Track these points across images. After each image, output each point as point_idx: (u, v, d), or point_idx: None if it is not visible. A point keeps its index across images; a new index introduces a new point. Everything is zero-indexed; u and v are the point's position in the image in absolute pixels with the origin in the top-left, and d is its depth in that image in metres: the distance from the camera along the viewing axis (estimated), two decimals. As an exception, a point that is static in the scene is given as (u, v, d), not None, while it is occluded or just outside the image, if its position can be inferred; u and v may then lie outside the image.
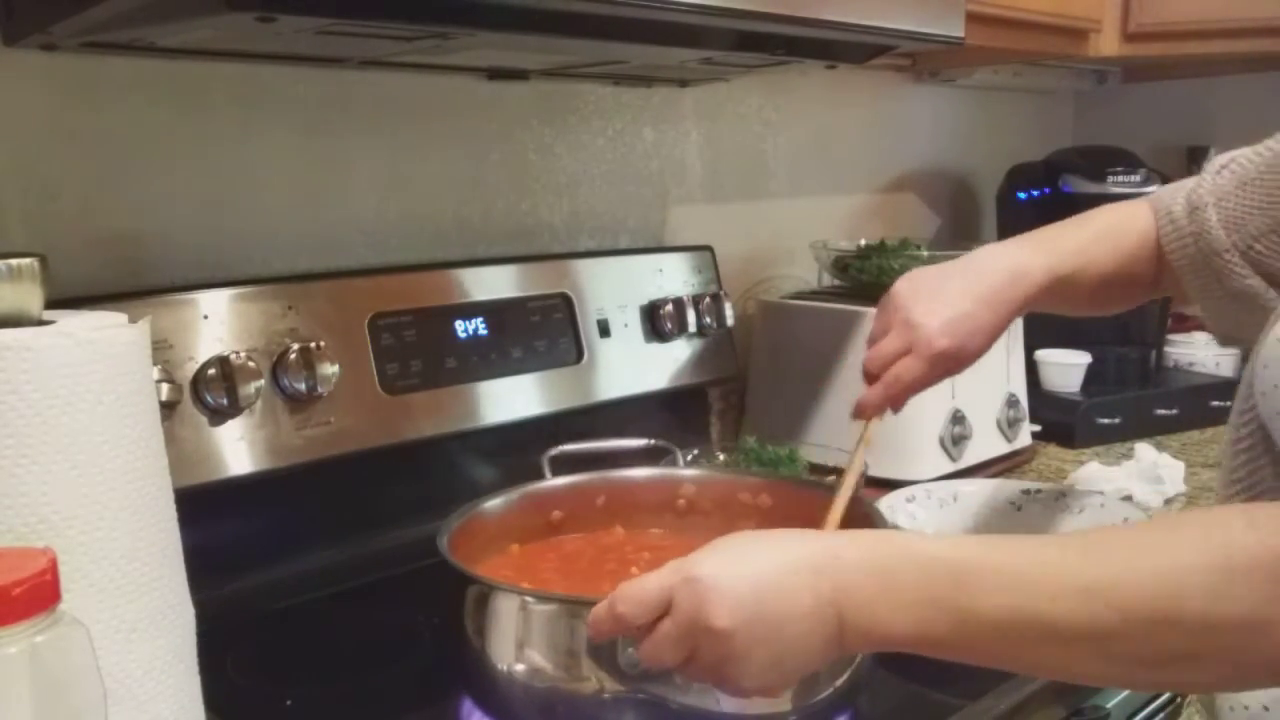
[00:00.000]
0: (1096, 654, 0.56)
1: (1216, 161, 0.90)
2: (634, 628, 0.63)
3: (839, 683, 0.75)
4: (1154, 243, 0.93)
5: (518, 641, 0.73)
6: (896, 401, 0.90)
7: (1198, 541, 0.55)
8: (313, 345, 1.04)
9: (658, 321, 1.36)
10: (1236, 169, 0.87)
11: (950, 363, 0.89)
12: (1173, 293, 0.96)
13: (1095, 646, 0.55)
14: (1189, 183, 0.92)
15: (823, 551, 0.62)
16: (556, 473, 1.03)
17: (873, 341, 0.91)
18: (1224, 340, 0.95)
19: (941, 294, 0.89)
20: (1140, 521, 0.99)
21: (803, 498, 0.95)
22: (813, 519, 0.80)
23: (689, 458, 1.18)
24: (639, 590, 0.63)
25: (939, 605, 0.58)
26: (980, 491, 1.16)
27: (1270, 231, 0.83)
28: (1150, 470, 1.36)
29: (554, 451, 1.06)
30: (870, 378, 0.90)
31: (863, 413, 0.90)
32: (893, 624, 0.59)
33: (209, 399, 0.98)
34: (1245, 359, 1.94)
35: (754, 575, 0.61)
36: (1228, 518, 0.57)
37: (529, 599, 0.73)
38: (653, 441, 1.15)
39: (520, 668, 0.73)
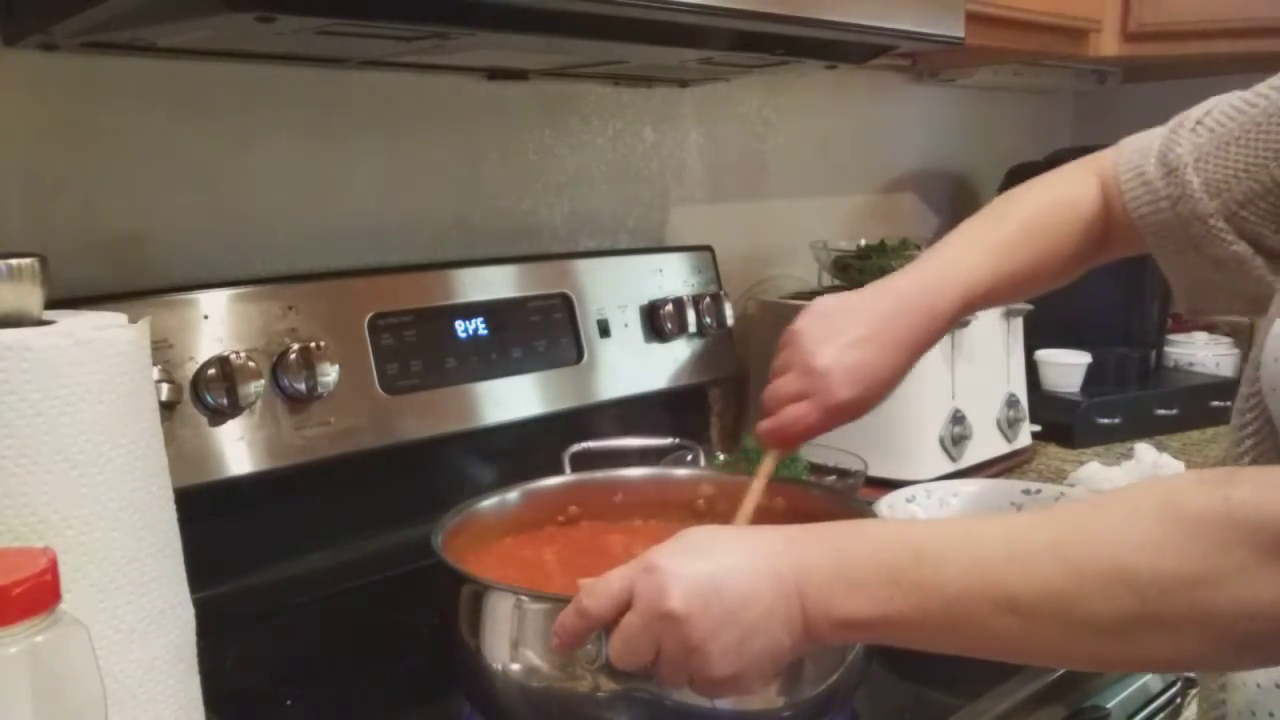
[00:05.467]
0: (1056, 622, 0.55)
1: (1191, 115, 0.83)
2: (599, 622, 0.64)
3: (832, 679, 0.75)
4: (1097, 218, 0.88)
5: (512, 641, 0.72)
6: (789, 444, 0.86)
7: (1148, 500, 0.56)
8: (313, 345, 1.04)
9: (658, 321, 1.36)
10: (1215, 126, 0.80)
11: (852, 412, 0.84)
12: (1117, 257, 0.91)
13: (1053, 613, 0.55)
14: (1157, 139, 0.84)
15: (781, 539, 0.63)
16: (577, 470, 1.03)
17: (773, 376, 0.86)
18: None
19: (847, 337, 0.83)
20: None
21: (818, 501, 0.94)
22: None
23: (688, 459, 1.18)
24: (602, 585, 0.64)
25: (898, 582, 0.58)
26: (980, 491, 1.16)
27: (1258, 198, 0.77)
28: (1150, 470, 1.36)
29: (576, 448, 1.05)
30: (765, 413, 0.85)
31: (760, 443, 0.87)
32: (853, 603, 0.59)
33: (209, 399, 0.98)
34: (1245, 357, 1.93)
35: (712, 563, 0.62)
36: (1180, 479, 0.57)
37: (523, 598, 0.73)
38: (676, 440, 1.15)
39: (515, 667, 0.72)
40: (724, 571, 0.61)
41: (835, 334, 0.84)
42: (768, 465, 0.86)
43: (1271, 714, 0.68)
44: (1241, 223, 0.78)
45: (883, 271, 1.43)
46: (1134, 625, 0.54)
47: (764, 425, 0.85)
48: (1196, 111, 0.83)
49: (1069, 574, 0.55)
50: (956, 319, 0.87)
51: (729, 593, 0.60)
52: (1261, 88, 0.79)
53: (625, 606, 0.63)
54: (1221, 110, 0.81)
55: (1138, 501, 0.56)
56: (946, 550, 0.58)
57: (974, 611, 0.57)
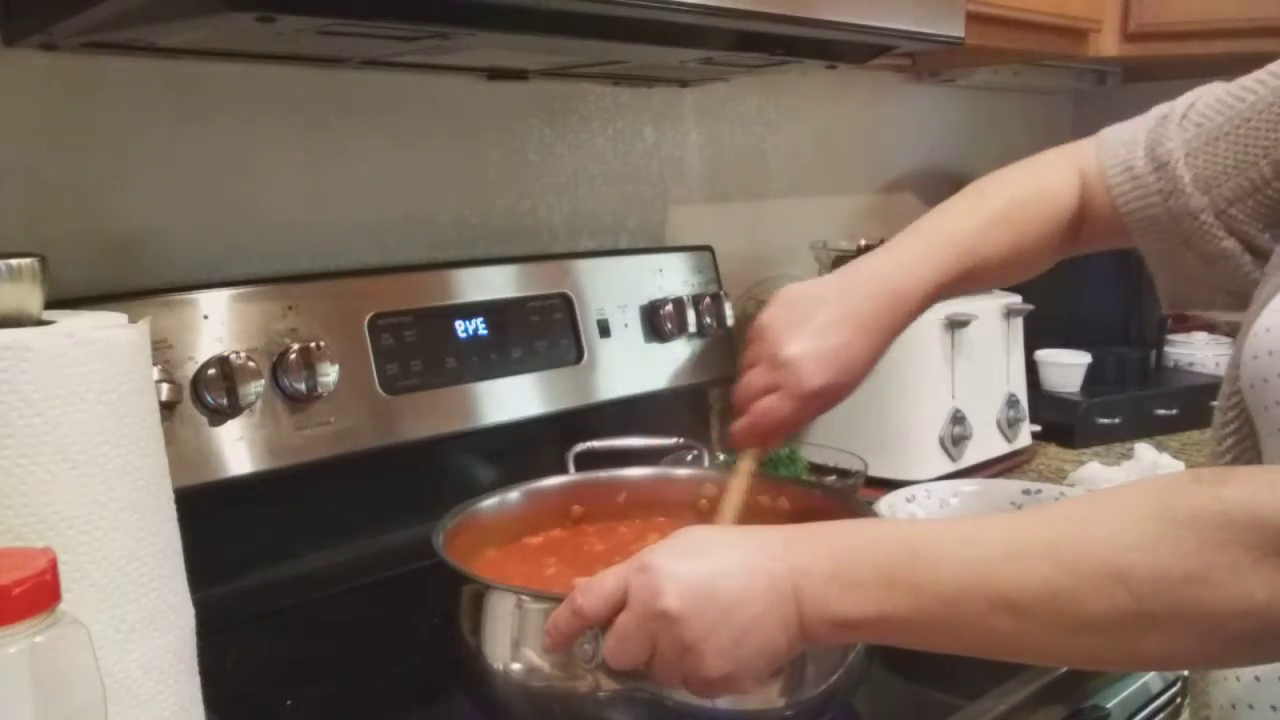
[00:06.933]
0: (1052, 621, 0.55)
1: (1177, 109, 0.82)
2: (593, 621, 0.64)
3: (832, 679, 0.75)
4: (1072, 212, 0.87)
5: (513, 641, 0.72)
6: (767, 440, 0.85)
7: (1143, 499, 0.56)
8: (313, 345, 1.04)
9: (658, 321, 1.36)
10: (1202, 120, 0.79)
11: (826, 399, 0.82)
12: (1086, 252, 0.91)
13: (1049, 612, 0.55)
14: (1141, 131, 0.83)
15: (777, 539, 0.62)
16: (580, 469, 1.03)
17: (742, 372, 0.85)
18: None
19: (811, 323, 0.81)
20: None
21: (818, 501, 0.94)
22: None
23: (689, 458, 1.18)
24: (597, 584, 0.64)
25: (894, 583, 0.58)
26: (980, 491, 1.16)
27: (1247, 196, 0.76)
28: (1150, 470, 1.36)
29: (580, 448, 1.05)
30: (737, 411, 0.84)
31: (734, 443, 0.85)
32: (849, 603, 0.59)
33: (209, 399, 0.98)
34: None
35: (708, 562, 0.62)
36: (1173, 477, 0.57)
37: (524, 597, 0.73)
38: (680, 440, 1.15)
39: (516, 667, 0.72)
40: (719, 571, 0.61)
41: (802, 321, 0.82)
42: (745, 466, 0.85)
43: (1251, 706, 0.68)
44: (1230, 220, 0.78)
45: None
46: (1129, 624, 0.54)
47: (738, 424, 0.84)
48: (1181, 104, 0.82)
49: (1064, 573, 0.55)
50: (926, 303, 0.85)
51: (724, 592, 0.60)
52: (1247, 81, 0.78)
53: (620, 605, 0.63)
54: (1206, 103, 0.80)
55: (1132, 500, 0.56)
56: (942, 550, 0.58)
57: (970, 611, 0.57)
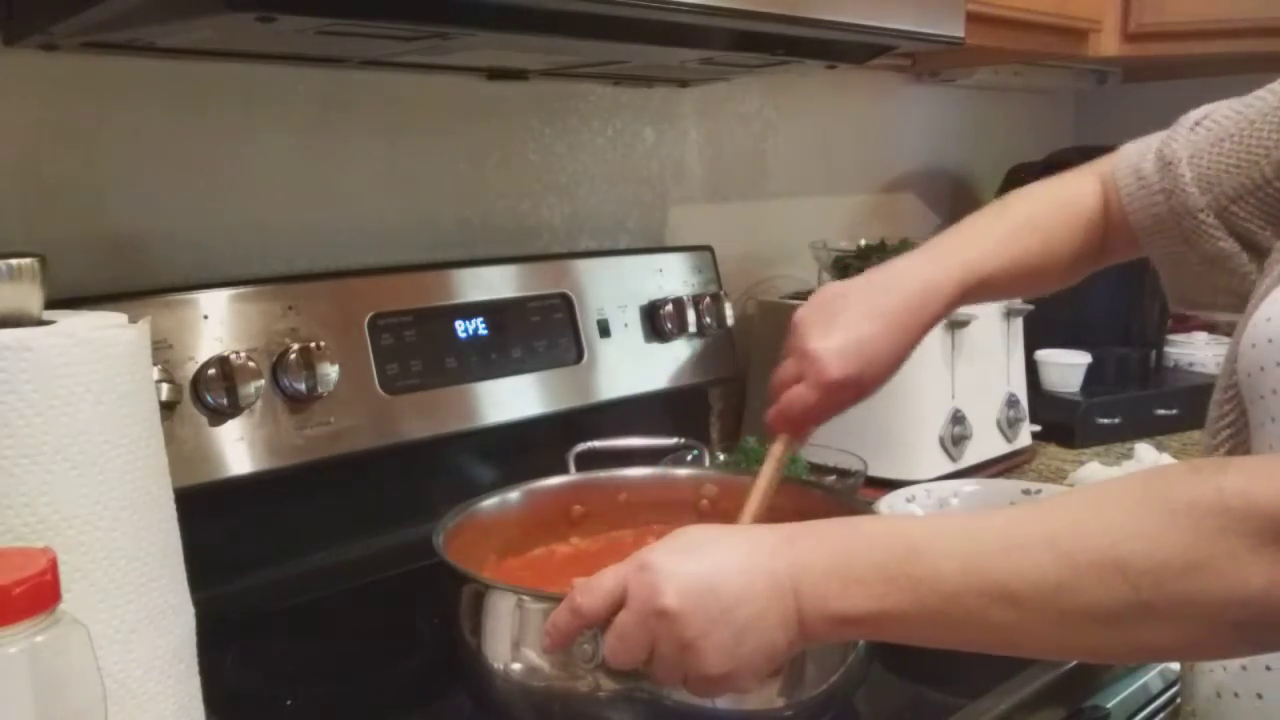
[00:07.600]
0: (1050, 613, 0.55)
1: (1191, 116, 0.86)
2: (593, 620, 0.64)
3: (832, 679, 0.75)
4: (1098, 218, 0.90)
5: (514, 641, 0.72)
6: (793, 429, 0.86)
7: (1141, 489, 0.56)
8: (313, 345, 1.04)
9: (658, 321, 1.36)
10: (1213, 125, 0.82)
11: (850, 391, 0.84)
12: (1116, 261, 0.93)
13: (1047, 603, 0.55)
14: (1155, 140, 0.87)
15: (776, 537, 0.63)
16: (581, 469, 1.03)
17: (778, 364, 0.88)
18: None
19: (839, 317, 0.84)
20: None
21: (818, 501, 0.94)
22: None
23: (689, 458, 1.18)
24: (596, 583, 0.64)
25: (893, 578, 0.58)
26: (980, 491, 1.16)
27: (1248, 194, 0.79)
28: (1150, 470, 1.36)
29: (581, 448, 1.05)
30: (771, 400, 0.87)
31: (767, 429, 0.87)
32: (848, 600, 0.59)
33: (209, 399, 0.98)
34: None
35: (707, 561, 0.62)
36: (1172, 468, 0.58)
37: (524, 597, 0.73)
38: (681, 440, 1.15)
39: (516, 667, 0.72)
40: (718, 569, 0.61)
41: (830, 316, 0.85)
42: (777, 450, 0.87)
43: (1237, 694, 0.68)
44: (1232, 218, 0.80)
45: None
46: (1129, 614, 0.54)
47: (770, 410, 0.87)
48: (1196, 113, 0.85)
49: (1063, 565, 0.55)
50: (956, 298, 0.87)
51: (723, 590, 0.60)
52: (1260, 91, 0.81)
53: (619, 604, 0.63)
54: (1220, 113, 0.83)
55: (1130, 491, 0.56)
56: (941, 545, 0.58)
57: (970, 605, 0.57)
